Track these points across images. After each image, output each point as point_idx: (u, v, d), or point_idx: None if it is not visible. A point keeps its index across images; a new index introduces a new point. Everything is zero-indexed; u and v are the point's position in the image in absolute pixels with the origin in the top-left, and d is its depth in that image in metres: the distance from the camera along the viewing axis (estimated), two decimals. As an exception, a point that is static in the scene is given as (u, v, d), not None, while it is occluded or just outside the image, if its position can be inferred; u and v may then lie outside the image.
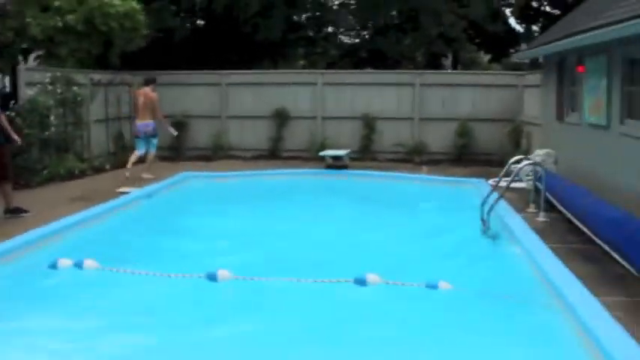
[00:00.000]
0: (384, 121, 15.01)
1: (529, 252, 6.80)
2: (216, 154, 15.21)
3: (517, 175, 8.56)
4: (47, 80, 11.50)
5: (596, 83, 9.10)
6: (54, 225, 7.84)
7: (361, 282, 5.98)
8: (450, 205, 10.14)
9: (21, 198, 9.25)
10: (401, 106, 15.06)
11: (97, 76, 13.39)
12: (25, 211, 8.68)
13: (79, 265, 6.31)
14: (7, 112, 10.00)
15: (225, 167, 13.86)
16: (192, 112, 15.41)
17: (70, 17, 12.35)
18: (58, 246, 7.18)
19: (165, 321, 5.17)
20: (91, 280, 6.14)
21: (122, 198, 9.95)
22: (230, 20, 19.14)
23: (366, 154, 14.98)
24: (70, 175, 11.65)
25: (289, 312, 5.44)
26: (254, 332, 4.91)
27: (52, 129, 11.34)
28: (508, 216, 8.56)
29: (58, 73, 11.83)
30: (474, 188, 10.79)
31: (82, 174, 12.03)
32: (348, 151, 13.99)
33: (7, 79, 9.42)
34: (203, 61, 17.54)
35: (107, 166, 13.07)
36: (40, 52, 12.73)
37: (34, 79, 11.31)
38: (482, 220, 8.10)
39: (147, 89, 11.92)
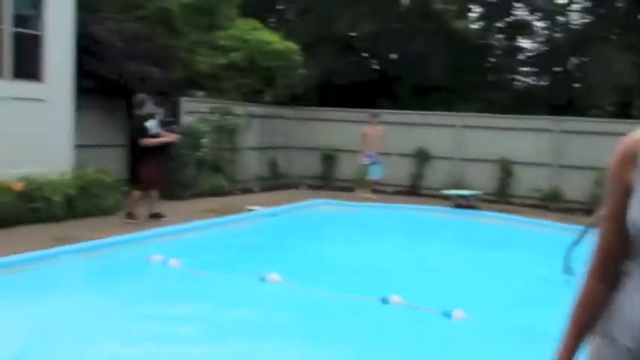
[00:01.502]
0: (521, 165, 15.22)
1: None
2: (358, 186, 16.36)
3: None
4: (205, 110, 13.58)
5: None
6: (174, 227, 9.62)
7: (385, 301, 6.80)
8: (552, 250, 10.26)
9: (168, 206, 11.19)
10: (539, 151, 15.17)
11: (254, 108, 15.32)
12: (163, 216, 10.56)
13: (165, 262, 7.81)
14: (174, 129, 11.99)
15: (363, 199, 14.96)
16: (340, 147, 16.81)
17: (234, 54, 14.42)
18: (171, 244, 8.84)
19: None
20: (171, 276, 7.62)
21: (246, 213, 11.55)
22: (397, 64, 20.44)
23: (501, 198, 15.26)
24: (218, 193, 13.54)
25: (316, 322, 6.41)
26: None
27: (206, 151, 13.32)
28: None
29: (216, 105, 13.87)
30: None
31: (230, 193, 13.89)
32: (475, 192, 14.43)
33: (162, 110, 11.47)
34: (365, 101, 18.92)
35: (255, 189, 14.89)
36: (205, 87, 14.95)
37: (193, 109, 13.43)
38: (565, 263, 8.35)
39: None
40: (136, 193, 10.32)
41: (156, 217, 10.48)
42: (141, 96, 10.46)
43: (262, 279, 7.24)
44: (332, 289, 7.12)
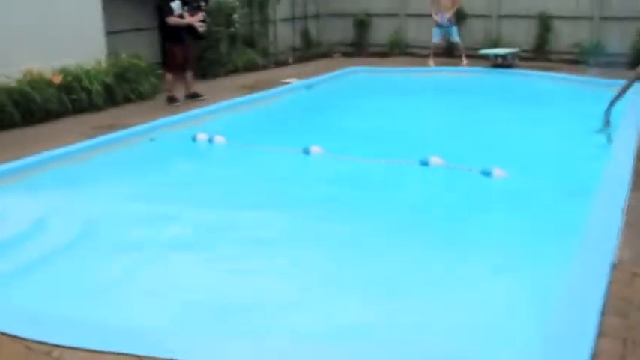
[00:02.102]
0: (560, 20, 14.66)
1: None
2: (393, 51, 16.08)
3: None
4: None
5: None
6: (214, 106, 9.86)
7: (425, 163, 6.94)
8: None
9: (204, 86, 11.30)
10: (580, 3, 14.53)
11: (283, -22, 14.90)
12: (201, 96, 10.67)
13: (211, 139, 8.08)
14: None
15: (398, 63, 14.76)
16: (373, 11, 16.37)
17: None
18: (213, 122, 9.04)
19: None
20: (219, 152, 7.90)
21: (282, 87, 11.59)
22: None
23: (539, 55, 14.85)
24: (253, 68, 13.51)
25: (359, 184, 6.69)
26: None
27: (237, 27, 13.16)
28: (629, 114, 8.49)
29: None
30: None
31: (264, 67, 13.85)
32: (513, 50, 14.09)
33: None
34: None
35: (290, 61, 14.83)
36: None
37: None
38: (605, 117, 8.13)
39: None
40: (169, 75, 10.40)
41: (194, 97, 10.60)
42: (162, -23, 10.26)
43: (305, 151, 7.43)
44: (373, 156, 7.29)
